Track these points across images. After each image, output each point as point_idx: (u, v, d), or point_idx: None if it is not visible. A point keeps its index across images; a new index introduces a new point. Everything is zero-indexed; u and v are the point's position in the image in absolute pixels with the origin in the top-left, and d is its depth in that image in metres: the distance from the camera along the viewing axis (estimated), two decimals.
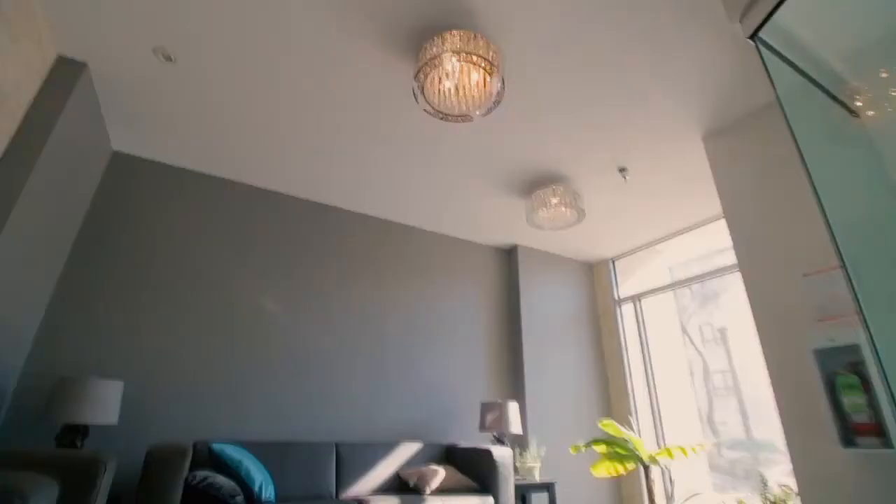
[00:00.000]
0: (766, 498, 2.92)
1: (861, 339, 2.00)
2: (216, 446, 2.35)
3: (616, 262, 4.92)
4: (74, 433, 2.25)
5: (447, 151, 3.18)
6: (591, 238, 4.47)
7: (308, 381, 3.28)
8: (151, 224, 3.11)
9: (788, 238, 2.50)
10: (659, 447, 3.65)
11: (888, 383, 1.50)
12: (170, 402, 2.78)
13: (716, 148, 3.00)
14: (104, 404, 2.27)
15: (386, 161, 3.28)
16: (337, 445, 3.00)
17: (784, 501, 2.82)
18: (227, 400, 2.95)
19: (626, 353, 4.52)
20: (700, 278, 4.31)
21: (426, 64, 2.17)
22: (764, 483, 3.01)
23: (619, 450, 3.42)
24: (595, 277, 5.07)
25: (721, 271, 3.91)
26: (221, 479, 2.16)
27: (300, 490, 2.64)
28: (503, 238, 4.55)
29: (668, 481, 3.63)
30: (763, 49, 1.88)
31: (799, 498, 2.27)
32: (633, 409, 4.28)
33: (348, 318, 3.62)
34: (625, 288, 4.81)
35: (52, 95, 2.18)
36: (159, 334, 2.89)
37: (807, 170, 1.79)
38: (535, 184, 3.56)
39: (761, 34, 1.85)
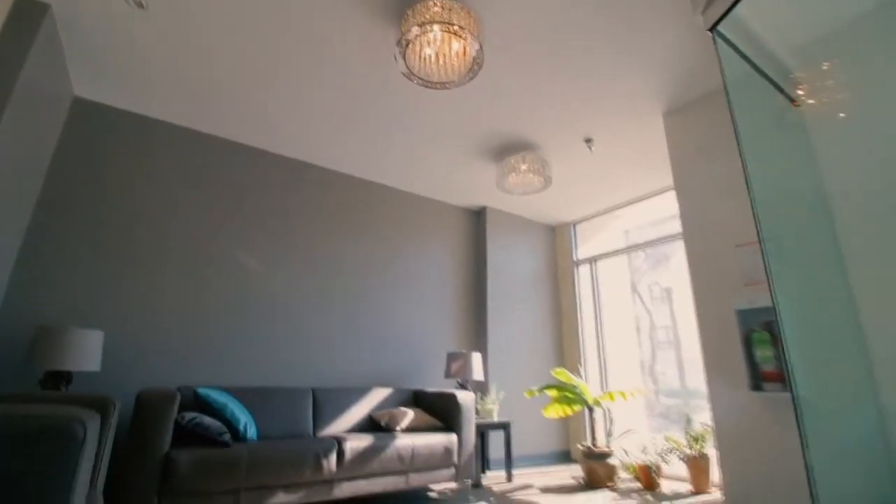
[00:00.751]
0: (688, 434, 3.43)
1: (779, 300, 2.35)
2: (202, 390, 2.50)
3: (577, 226, 5.22)
4: (58, 379, 2.33)
5: (424, 116, 3.24)
6: (556, 203, 4.71)
7: (285, 330, 3.43)
8: (122, 174, 3.05)
9: (726, 212, 2.80)
10: (603, 392, 4.11)
11: (785, 339, 1.83)
12: (150, 351, 2.87)
13: (673, 125, 3.22)
14: (85, 352, 2.35)
15: (365, 122, 3.31)
16: (314, 390, 3.21)
17: (702, 436, 3.32)
18: (206, 349, 3.07)
19: (580, 309, 4.92)
20: (651, 244, 4.67)
21: (408, 31, 2.21)
22: (688, 422, 3.52)
23: (568, 394, 3.84)
24: (557, 239, 5.37)
25: (669, 238, 4.27)
26: (209, 420, 2.33)
27: (280, 430, 2.86)
28: (473, 200, 4.72)
29: (609, 421, 4.13)
30: (719, 40, 2.05)
31: (713, 433, 2.72)
32: (582, 359, 4.73)
33: (324, 271, 3.75)
34: (583, 250, 5.15)
35: (15, 38, 2.08)
36: (137, 285, 2.93)
37: (740, 151, 2.03)
38: (506, 150, 3.70)
39: (720, 27, 2.01)
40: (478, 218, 4.94)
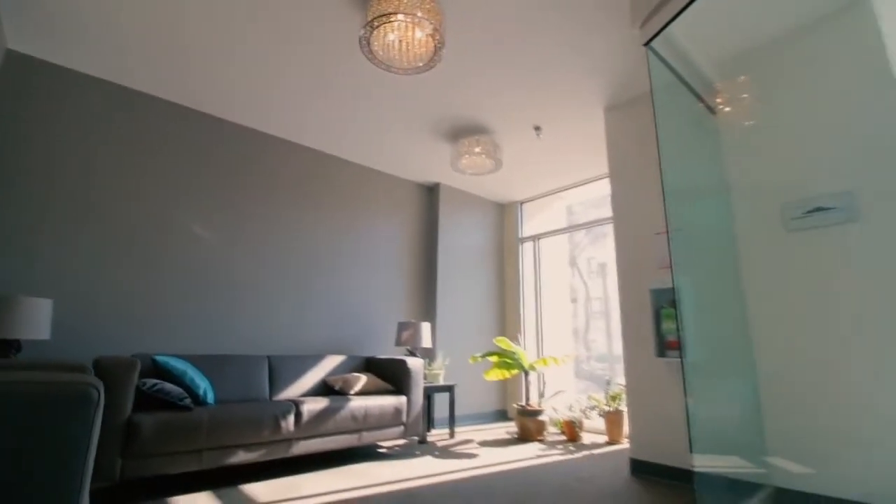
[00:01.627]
0: (607, 394, 3.94)
1: (678, 283, 2.77)
2: (160, 358, 2.57)
3: (524, 205, 5.54)
4: (7, 347, 2.32)
5: (384, 96, 3.32)
6: (505, 182, 4.98)
7: (242, 299, 3.50)
8: (70, 136, 2.91)
9: (650, 203, 3.17)
10: (538, 358, 4.56)
11: (682, 315, 2.23)
12: (101, 319, 2.86)
13: (612, 120, 3.53)
14: (34, 320, 2.33)
15: (326, 98, 3.33)
16: (269, 358, 3.35)
17: (618, 395, 3.85)
18: (160, 317, 3.09)
19: (522, 283, 5.32)
20: (588, 225, 5.11)
21: (374, 18, 2.29)
22: (608, 383, 4.03)
23: (508, 360, 4.24)
24: (505, 217, 5.68)
25: (604, 220, 4.69)
26: (170, 386, 2.42)
27: (237, 396, 2.99)
28: (427, 176, 4.87)
29: (542, 383, 4.61)
30: (651, 54, 2.32)
31: (626, 392, 3.18)
32: (522, 328, 5.16)
33: (281, 242, 3.80)
34: (529, 227, 5.50)
35: None
36: (86, 253, 2.87)
37: (659, 151, 2.35)
38: (461, 132, 3.87)
39: (653, 43, 2.27)
40: (431, 193, 5.12)
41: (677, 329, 2.80)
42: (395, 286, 4.59)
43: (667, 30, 2.28)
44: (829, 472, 2.17)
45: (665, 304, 2.87)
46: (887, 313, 2.09)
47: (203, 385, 2.62)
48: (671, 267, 2.21)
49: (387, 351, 4.35)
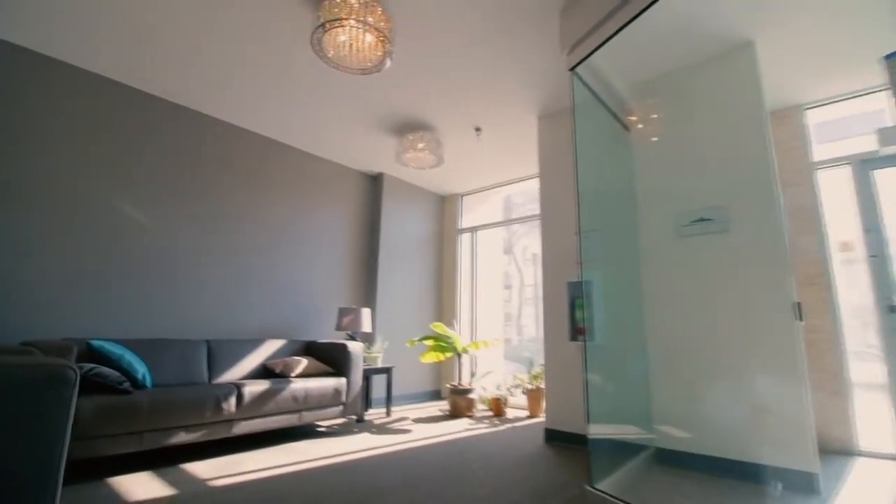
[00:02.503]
0: (530, 373, 4.39)
1: (591, 277, 3.20)
2: (96, 343, 2.55)
3: (464, 198, 5.84)
4: None
5: (334, 88, 3.41)
6: (447, 176, 5.23)
7: (180, 284, 3.47)
8: None
9: (571, 204, 3.55)
10: (471, 341, 4.92)
11: (592, 305, 2.62)
12: (26, 304, 2.75)
13: (543, 127, 3.89)
14: None
15: (277, 85, 3.36)
16: (208, 342, 3.38)
17: (539, 375, 4.30)
18: (94, 301, 3.01)
19: (460, 271, 5.64)
20: (521, 220, 5.52)
21: (327, 21, 2.40)
22: (530, 363, 4.48)
23: (443, 343, 4.55)
24: (445, 208, 5.95)
25: (533, 217, 5.10)
26: (108, 370, 2.43)
27: (176, 379, 3.03)
28: (371, 166, 4.99)
29: (474, 365, 4.99)
30: (576, 78, 2.65)
31: (545, 371, 3.60)
32: (457, 314, 5.50)
33: (221, 226, 3.78)
34: (468, 219, 5.81)
35: None
36: (13, 236, 2.72)
37: (576, 160, 2.69)
38: (406, 128, 4.05)
39: (577, 69, 2.60)
40: (375, 183, 5.24)
41: (583, 318, 3.24)
42: (336, 272, 4.72)
43: (589, 58, 2.61)
44: (702, 435, 2.69)
45: (579, 295, 3.30)
46: (747, 307, 2.62)
47: (141, 369, 2.65)
48: (580, 263, 2.58)
49: (327, 335, 4.49)
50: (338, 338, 4.41)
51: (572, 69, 2.61)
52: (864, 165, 3.31)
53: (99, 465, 2.48)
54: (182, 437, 2.60)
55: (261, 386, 3.03)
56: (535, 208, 5.44)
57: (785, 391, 2.46)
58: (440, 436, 3.46)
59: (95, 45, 2.92)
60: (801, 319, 2.61)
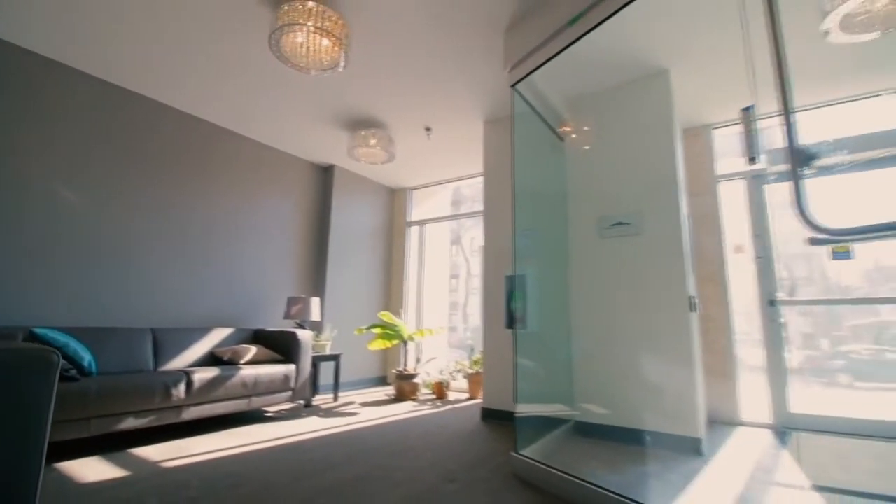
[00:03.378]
0: (471, 358, 4.72)
1: (525, 271, 3.54)
2: (39, 331, 2.53)
3: (414, 192, 6.04)
4: None
5: (289, 83, 3.48)
6: (397, 170, 5.40)
7: (125, 271, 3.43)
8: None
9: (511, 203, 3.90)
10: (416, 329, 5.18)
11: (526, 297, 2.94)
12: None
13: (489, 131, 4.17)
14: None
15: (232, 75, 3.37)
16: (153, 330, 3.39)
17: (479, 360, 4.64)
18: (36, 289, 2.93)
19: (408, 262, 5.86)
20: (467, 215, 5.81)
21: (285, 24, 2.50)
22: (471, 349, 4.81)
23: (390, 331, 4.77)
24: (395, 201, 6.12)
25: (478, 213, 5.41)
26: None
27: (121, 367, 3.03)
28: (323, 157, 5.06)
29: (419, 351, 5.26)
30: (516, 93, 2.93)
31: (483, 356, 3.93)
32: (404, 303, 5.73)
33: (168, 212, 3.74)
34: (417, 212, 6.02)
35: None
36: None
37: (512, 166, 2.99)
38: (360, 124, 4.18)
39: (518, 86, 2.88)
40: (326, 174, 5.31)
41: (522, 307, 3.59)
42: (286, 261, 4.78)
43: (528, 77, 2.90)
44: (615, 410, 3.11)
45: (516, 287, 3.63)
46: (654, 301, 3.05)
47: (87, 357, 2.66)
48: (514, 258, 2.90)
49: (275, 324, 4.57)
50: (286, 326, 4.50)
51: (513, 85, 2.89)
52: (757, 180, 3.89)
53: (48, 451, 2.48)
54: (131, 423, 2.66)
55: (210, 373, 3.11)
56: (482, 202, 5.77)
57: (680, 372, 2.93)
58: (385, 417, 3.70)
59: (49, 28, 2.81)
60: (694, 311, 3.09)
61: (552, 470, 2.14)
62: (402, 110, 3.93)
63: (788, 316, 3.89)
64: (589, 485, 1.95)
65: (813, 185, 1.36)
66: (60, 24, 2.81)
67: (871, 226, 1.31)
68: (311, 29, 2.55)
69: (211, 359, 3.62)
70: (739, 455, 2.84)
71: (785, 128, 1.40)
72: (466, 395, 4.74)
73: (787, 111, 1.41)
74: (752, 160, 1.60)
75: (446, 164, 5.17)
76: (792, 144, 1.39)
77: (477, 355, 4.70)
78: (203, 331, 3.69)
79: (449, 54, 3.13)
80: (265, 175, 4.63)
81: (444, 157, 4.95)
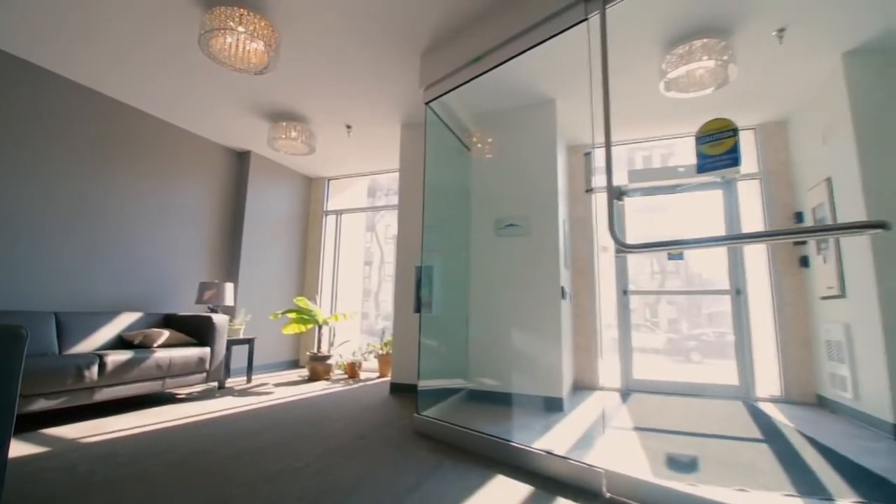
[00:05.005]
0: (382, 341, 5.16)
1: (433, 262, 4.06)
2: None
3: (331, 182, 6.24)
4: None
5: (213, 72, 3.55)
6: (316, 161, 5.58)
7: (26, 253, 3.28)
8: None
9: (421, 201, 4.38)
10: (330, 314, 5.47)
11: (432, 284, 3.44)
12: None
13: (405, 134, 4.59)
14: None
15: (153, 59, 3.35)
16: (56, 314, 3.31)
17: (389, 342, 5.10)
18: None
19: (323, 250, 6.09)
20: (382, 208, 6.19)
21: (216, 28, 2.67)
22: (383, 333, 5.25)
23: (304, 316, 5.02)
24: (312, 190, 6.27)
25: (393, 206, 5.81)
26: None
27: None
28: (239, 142, 5.08)
29: (333, 335, 5.56)
30: (429, 110, 3.38)
31: (393, 337, 4.40)
32: (319, 289, 5.97)
33: (72, 192, 3.60)
34: (333, 202, 6.24)
35: None
36: None
37: (425, 169, 3.45)
38: (282, 115, 4.34)
39: (432, 104, 3.33)
40: (241, 160, 5.32)
41: (429, 293, 4.11)
42: (198, 246, 4.77)
43: (443, 98, 3.36)
44: (500, 380, 3.77)
45: (424, 276, 4.14)
46: (536, 291, 3.74)
47: None
48: (422, 250, 3.39)
49: (186, 308, 4.57)
50: (198, 311, 4.54)
51: (427, 103, 3.34)
52: (616, 191, 4.79)
53: None
54: (41, 404, 2.68)
55: (124, 355, 3.17)
56: (397, 195, 6.16)
57: (550, 348, 3.66)
58: (300, 395, 4.01)
59: None
60: (565, 299, 3.85)
61: (446, 424, 2.68)
62: (324, 108, 4.18)
63: (636, 303, 4.88)
64: (474, 432, 2.52)
65: (622, 212, 2.01)
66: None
67: (653, 243, 1.99)
68: (241, 33, 2.75)
69: (120, 342, 3.61)
70: (590, 410, 3.65)
71: (606, 173, 2.03)
72: (377, 375, 5.18)
73: (608, 162, 2.04)
74: (589, 191, 2.22)
75: (364, 159, 5.49)
76: (609, 185, 2.03)
77: (388, 338, 5.15)
78: (111, 314, 3.65)
79: (371, 66, 3.48)
80: (182, 160, 4.57)
81: (362, 153, 5.26)
